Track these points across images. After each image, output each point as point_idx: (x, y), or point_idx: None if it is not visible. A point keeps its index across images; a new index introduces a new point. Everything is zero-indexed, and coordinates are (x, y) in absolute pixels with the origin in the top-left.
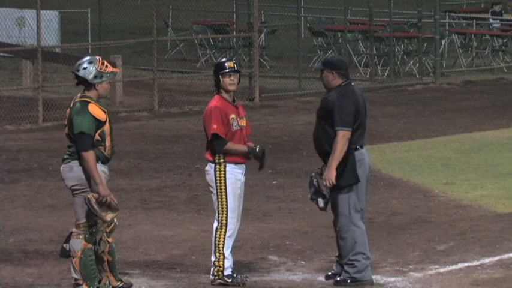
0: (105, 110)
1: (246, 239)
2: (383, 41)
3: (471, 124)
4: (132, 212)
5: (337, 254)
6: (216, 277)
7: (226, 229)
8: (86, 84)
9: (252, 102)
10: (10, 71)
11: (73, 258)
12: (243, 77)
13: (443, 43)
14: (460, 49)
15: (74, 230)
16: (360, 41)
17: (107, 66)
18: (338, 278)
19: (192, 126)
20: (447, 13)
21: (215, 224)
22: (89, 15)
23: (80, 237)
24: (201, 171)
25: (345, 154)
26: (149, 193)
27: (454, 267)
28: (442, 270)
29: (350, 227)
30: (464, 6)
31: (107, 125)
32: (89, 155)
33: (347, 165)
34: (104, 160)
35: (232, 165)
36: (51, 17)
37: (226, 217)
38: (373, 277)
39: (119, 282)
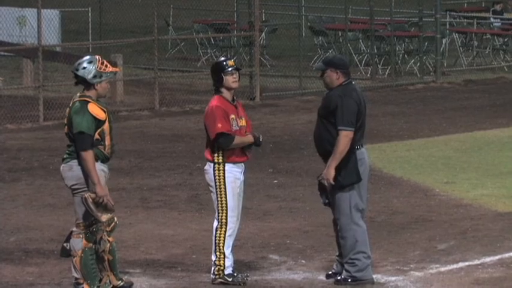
0: (105, 109)
1: (246, 238)
2: (384, 40)
3: (472, 123)
4: (132, 211)
5: (337, 253)
6: (217, 276)
7: (226, 228)
8: (85, 83)
9: (253, 101)
10: (11, 70)
11: (73, 257)
12: (243, 76)
13: (444, 42)
14: (460, 48)
15: (74, 229)
16: (360, 40)
17: (106, 66)
18: (339, 277)
19: (192, 125)
20: (448, 12)
21: (215, 223)
22: (89, 14)
23: (81, 236)
24: (201, 170)
25: (347, 153)
26: (150, 192)
27: (454, 266)
28: (442, 269)
29: (351, 226)
30: (465, 5)
31: (107, 124)
32: (88, 155)
33: (349, 164)
34: (104, 159)
35: (231, 165)
36: (52, 16)
37: (226, 216)
38: (374, 276)
39: (120, 281)
